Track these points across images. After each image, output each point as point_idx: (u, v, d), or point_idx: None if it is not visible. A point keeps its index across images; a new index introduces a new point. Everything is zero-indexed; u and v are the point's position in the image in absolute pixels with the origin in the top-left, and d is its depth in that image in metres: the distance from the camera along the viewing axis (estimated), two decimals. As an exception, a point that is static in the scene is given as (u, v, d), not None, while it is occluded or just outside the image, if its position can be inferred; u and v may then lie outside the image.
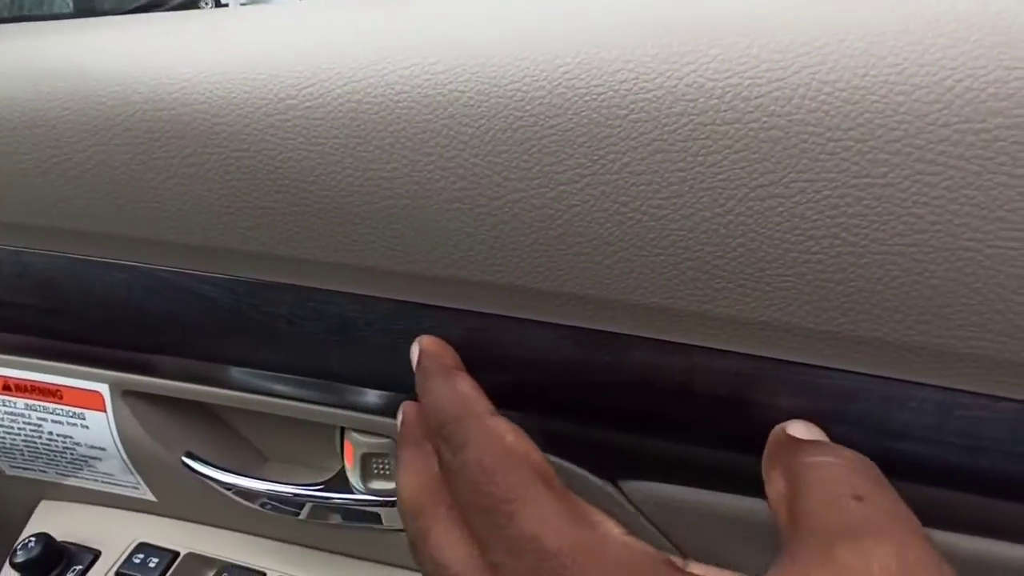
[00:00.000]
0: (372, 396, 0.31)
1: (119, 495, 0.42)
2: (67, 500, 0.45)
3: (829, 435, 0.23)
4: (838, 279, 0.21)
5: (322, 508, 0.36)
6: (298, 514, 0.37)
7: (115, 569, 0.40)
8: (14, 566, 0.39)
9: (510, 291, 0.25)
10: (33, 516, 0.44)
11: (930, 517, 0.25)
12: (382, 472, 0.33)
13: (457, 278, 0.26)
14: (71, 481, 0.43)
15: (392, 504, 0.34)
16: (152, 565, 0.39)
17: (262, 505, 0.37)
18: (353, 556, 0.39)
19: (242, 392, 0.34)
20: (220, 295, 0.31)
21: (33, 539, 0.39)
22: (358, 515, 0.36)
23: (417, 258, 0.26)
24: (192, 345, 0.33)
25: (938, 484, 0.23)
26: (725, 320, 0.23)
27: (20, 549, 0.39)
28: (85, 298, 0.33)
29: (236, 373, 0.33)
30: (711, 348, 0.24)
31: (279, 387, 0.33)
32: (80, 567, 0.40)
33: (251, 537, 0.41)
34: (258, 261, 0.29)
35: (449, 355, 0.26)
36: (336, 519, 0.37)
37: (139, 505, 0.42)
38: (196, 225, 0.28)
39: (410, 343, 0.28)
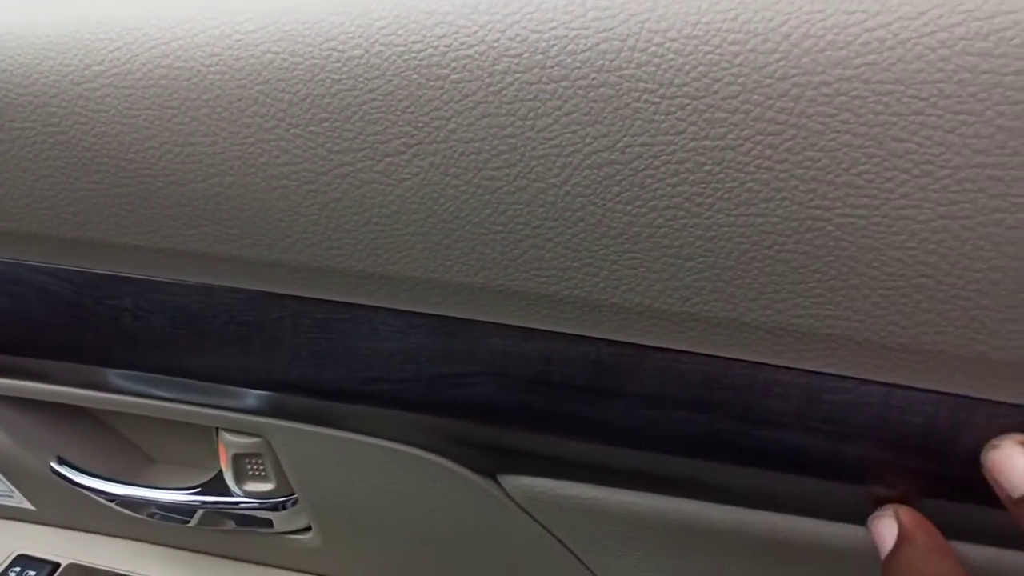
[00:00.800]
0: (236, 393, 0.28)
1: (-2, 505, 0.39)
2: (-52, 512, 0.42)
3: (692, 422, 0.22)
4: (687, 255, 0.19)
5: (212, 513, 0.34)
6: (187, 522, 0.35)
7: (-10, 584, 0.37)
8: None
9: (353, 276, 0.23)
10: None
11: (795, 506, 0.23)
12: (256, 473, 0.31)
13: (296, 263, 0.23)
14: (-53, 491, 0.40)
15: (279, 507, 0.32)
16: (29, 578, 0.37)
17: (150, 515, 0.35)
18: (244, 560, 0.37)
19: (106, 393, 0.31)
20: (60, 287, 0.28)
21: (-103, 555, 0.37)
22: (249, 520, 0.34)
23: (252, 242, 0.23)
24: (42, 343, 0.30)
25: (805, 472, 0.22)
26: (577, 303, 0.21)
27: None
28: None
29: (95, 373, 0.31)
30: (566, 334, 0.22)
31: (142, 386, 0.30)
32: (-49, 583, 0.37)
33: (138, 544, 0.38)
34: (92, 250, 0.26)
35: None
36: (229, 524, 0.34)
37: (17, 514, 0.39)
38: (18, 211, 0.26)
39: (261, 334, 0.26)
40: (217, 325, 0.26)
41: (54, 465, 0.35)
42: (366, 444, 0.28)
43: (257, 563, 0.37)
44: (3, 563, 0.39)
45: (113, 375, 0.30)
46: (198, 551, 0.38)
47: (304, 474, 0.30)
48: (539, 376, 0.23)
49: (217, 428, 0.32)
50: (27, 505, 0.39)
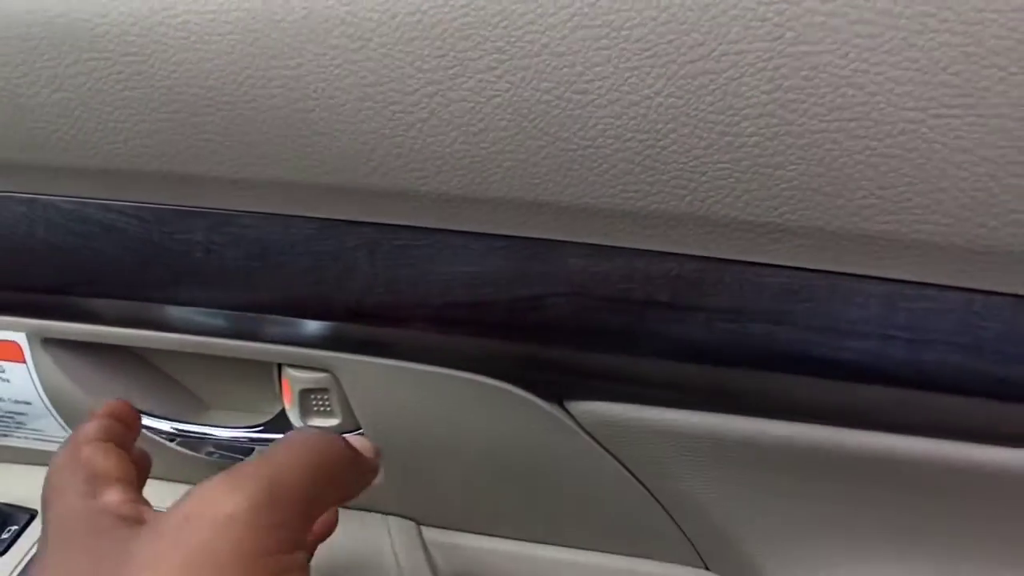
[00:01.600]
0: (304, 327, 0.29)
1: (49, 452, 0.40)
2: (6, 461, 0.43)
3: (772, 335, 0.22)
4: (778, 164, 0.20)
5: None
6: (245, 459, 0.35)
7: (53, 527, 0.38)
8: (-58, 528, 0.37)
9: (436, 200, 0.24)
10: (-33, 480, 0.43)
11: (874, 420, 0.24)
12: (322, 409, 0.32)
13: (379, 189, 0.24)
14: (4, 440, 0.40)
15: None
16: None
17: (208, 454, 0.36)
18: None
19: (168, 332, 0.32)
20: (128, 224, 0.29)
21: (-38, 500, 0.37)
22: None
23: (334, 168, 0.24)
24: (107, 283, 0.30)
25: (884, 382, 0.22)
26: (663, 219, 0.22)
27: (-52, 511, 0.37)
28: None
29: (159, 312, 0.31)
30: (649, 251, 0.23)
31: (206, 324, 0.31)
32: (15, 527, 0.38)
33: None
34: (166, 183, 0.27)
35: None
36: None
37: (76, 461, 0.40)
38: (92, 145, 0.26)
39: (337, 264, 0.26)
40: (292, 256, 0.27)
41: (115, 409, 0.36)
42: (435, 375, 0.28)
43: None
44: (64, 507, 0.39)
45: (180, 313, 0.30)
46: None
47: (371, 408, 0.30)
48: (620, 295, 0.23)
49: (280, 365, 0.33)
50: (85, 451, 0.39)
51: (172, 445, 0.36)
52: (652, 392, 0.26)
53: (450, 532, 0.36)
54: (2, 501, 0.39)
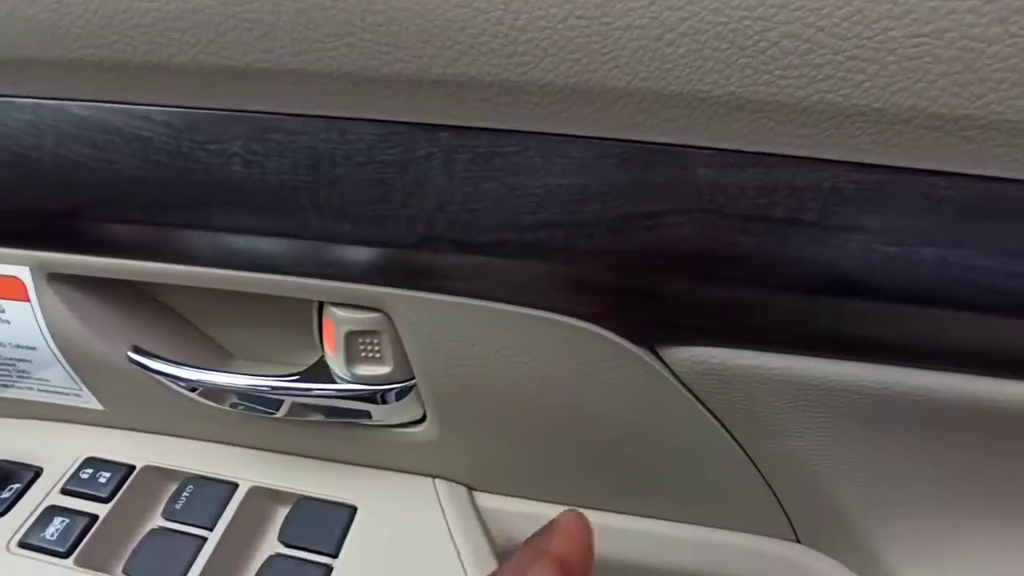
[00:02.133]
0: (356, 256, 0.25)
1: (60, 406, 0.36)
2: (0, 416, 0.39)
3: (944, 259, 0.19)
4: (989, 38, 0.16)
5: (301, 406, 0.31)
6: (274, 413, 0.32)
7: (60, 485, 0.34)
8: (-64, 486, 0.33)
9: (535, 94, 0.19)
10: (-40, 435, 0.39)
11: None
12: (371, 355, 0.28)
13: (463, 80, 0.20)
14: (0, 392, 0.37)
15: (383, 399, 0.29)
16: (103, 480, 0.34)
17: (232, 406, 0.32)
18: (336, 460, 0.34)
19: (193, 266, 0.28)
20: (154, 133, 0.24)
21: (-42, 456, 0.34)
22: (343, 412, 0.31)
23: (409, 54, 0.20)
24: (125, 205, 0.26)
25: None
26: (825, 114, 0.18)
27: (-58, 467, 0.33)
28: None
29: (184, 239, 0.27)
30: (798, 158, 0.19)
31: (238, 254, 0.27)
32: (18, 485, 0.34)
33: (217, 446, 0.35)
34: (199, 80, 0.22)
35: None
36: (318, 418, 0.31)
37: (85, 417, 0.36)
38: (112, 31, 0.22)
39: (405, 177, 0.22)
40: (349, 168, 0.23)
41: (130, 354, 0.32)
42: (509, 314, 0.25)
43: (351, 463, 0.34)
44: (72, 466, 0.36)
45: (208, 241, 0.26)
46: (283, 452, 0.35)
47: (429, 354, 0.26)
48: (756, 212, 0.20)
49: (322, 305, 0.29)
50: (95, 405, 0.36)
51: (193, 396, 0.32)
52: (772, 334, 0.22)
53: (505, 498, 0.32)
54: (3, 458, 0.36)
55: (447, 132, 0.21)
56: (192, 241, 0.26)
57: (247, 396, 0.31)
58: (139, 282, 0.34)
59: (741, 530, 0.30)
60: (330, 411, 0.31)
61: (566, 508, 0.32)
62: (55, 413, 0.37)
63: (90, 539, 0.32)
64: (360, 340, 0.27)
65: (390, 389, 0.28)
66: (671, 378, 0.25)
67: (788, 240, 0.20)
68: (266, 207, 0.24)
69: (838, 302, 0.20)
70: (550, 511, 0.31)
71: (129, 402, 0.34)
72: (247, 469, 0.34)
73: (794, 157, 0.19)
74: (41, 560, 0.31)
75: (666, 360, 0.25)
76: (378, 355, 0.28)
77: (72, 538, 0.32)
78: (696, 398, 0.25)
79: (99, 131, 0.25)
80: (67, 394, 0.35)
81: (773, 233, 0.20)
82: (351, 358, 0.28)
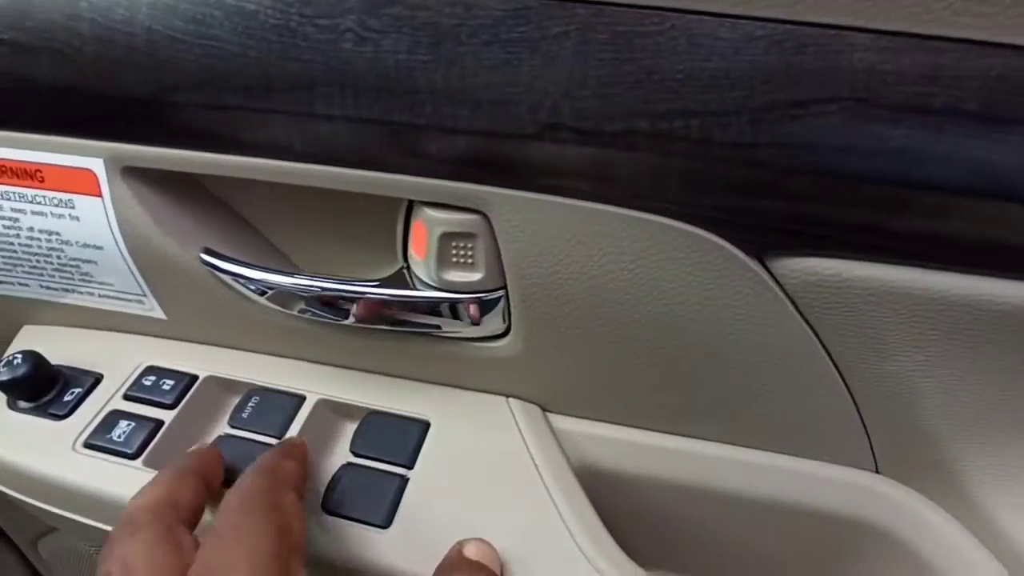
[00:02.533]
0: (466, 147, 0.24)
1: (121, 314, 0.35)
2: (56, 324, 0.38)
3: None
4: None
5: (369, 315, 0.30)
6: (342, 320, 0.31)
7: (122, 391, 0.34)
8: (1, 385, 0.32)
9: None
10: (14, 342, 0.38)
11: None
12: (463, 260, 0.27)
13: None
14: (60, 297, 0.36)
15: (467, 309, 0.28)
16: (166, 387, 0.33)
17: (300, 311, 0.31)
18: (406, 377, 0.34)
19: (282, 160, 0.27)
20: (261, 5, 0.23)
21: (19, 356, 0.33)
22: (414, 323, 0.30)
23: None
24: (220, 87, 0.25)
25: None
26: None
27: (3, 366, 0.33)
28: (56, 30, 0.25)
29: (278, 127, 0.25)
30: (965, 41, 0.18)
31: (335, 145, 0.25)
32: (79, 390, 0.34)
33: (281, 360, 0.35)
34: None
35: None
36: (387, 328, 0.31)
37: (146, 327, 0.36)
38: None
39: (534, 57, 0.21)
40: (473, 47, 0.22)
41: (203, 256, 0.31)
42: (619, 217, 0.24)
43: (420, 379, 0.34)
44: (133, 373, 0.35)
45: (307, 130, 0.25)
46: (349, 367, 0.35)
47: (528, 259, 0.26)
48: (913, 101, 0.19)
49: (410, 207, 0.28)
50: (158, 314, 0.35)
51: (262, 301, 0.31)
52: (901, 242, 0.22)
53: (578, 420, 0.32)
54: (64, 364, 0.35)
55: (585, 8, 0.20)
56: (287, 130, 0.25)
57: (320, 301, 0.30)
58: (212, 185, 0.33)
59: (819, 458, 0.30)
60: (401, 322, 0.30)
61: (640, 431, 0.32)
62: (115, 322, 0.36)
63: (157, 442, 0.31)
64: (453, 243, 0.27)
65: (477, 297, 0.28)
66: (778, 291, 0.24)
67: (944, 133, 0.19)
68: (376, 90, 0.23)
69: (986, 205, 0.20)
70: (625, 434, 0.31)
71: (193, 311, 0.34)
72: (313, 383, 0.33)
73: (963, 40, 0.18)
74: (108, 460, 0.31)
75: (775, 272, 0.24)
76: (470, 260, 0.27)
77: (139, 441, 0.31)
78: (800, 314, 0.25)
79: (199, 3, 0.24)
80: (130, 300, 0.34)
81: (928, 125, 0.19)
82: (442, 262, 0.27)
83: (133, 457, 0.31)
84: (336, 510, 0.28)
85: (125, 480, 0.30)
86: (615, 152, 0.22)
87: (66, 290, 0.35)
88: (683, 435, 0.31)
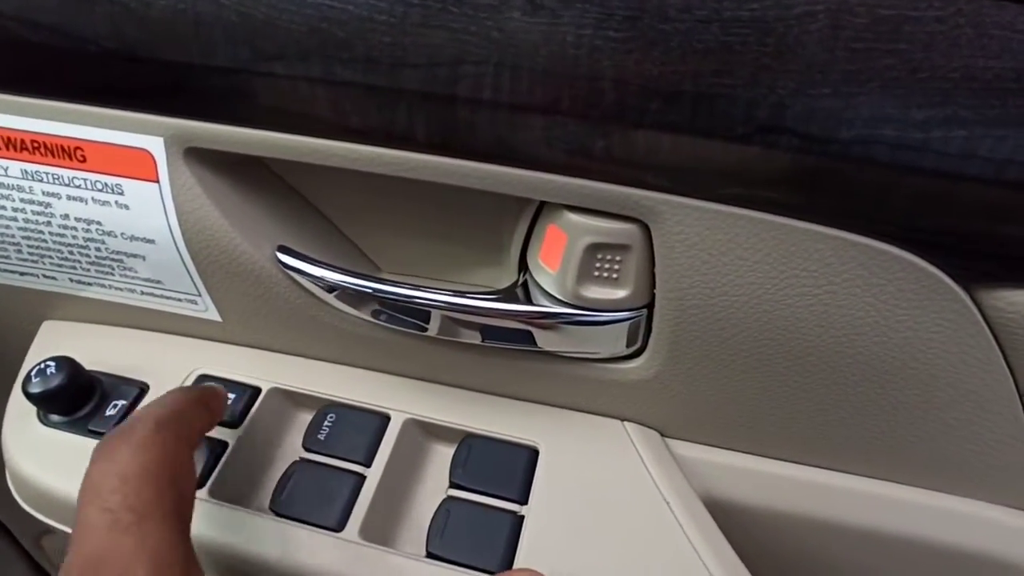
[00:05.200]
0: (646, 144, 0.19)
1: (165, 314, 0.31)
2: (81, 320, 0.33)
3: None
4: None
5: (453, 326, 0.26)
6: (425, 330, 0.27)
7: (173, 406, 0.29)
8: (30, 397, 0.28)
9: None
10: (36, 342, 0.33)
11: None
12: (607, 274, 0.23)
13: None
14: (91, 292, 0.31)
15: (594, 321, 0.24)
16: (226, 403, 0.29)
17: (374, 313, 0.26)
18: (497, 394, 0.30)
19: (388, 148, 0.22)
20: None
21: (52, 364, 0.28)
22: (505, 336, 0.26)
23: None
24: (332, 57, 0.20)
25: None
26: None
27: (35, 376, 0.28)
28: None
29: (397, 108, 0.21)
30: None
31: (469, 134, 0.21)
32: (123, 402, 0.29)
33: (352, 370, 0.31)
34: None
35: None
36: (473, 338, 0.27)
37: (194, 328, 0.31)
38: None
39: (763, 46, 0.17)
40: (682, 25, 0.17)
41: (279, 254, 0.26)
42: (812, 235, 0.20)
43: (523, 399, 0.30)
44: (182, 382, 0.30)
45: (436, 114, 0.21)
46: (435, 381, 0.31)
47: (692, 275, 0.22)
48: None
49: (541, 208, 0.24)
50: (212, 316, 0.30)
51: (329, 297, 0.27)
52: None
53: (699, 446, 0.29)
54: (99, 370, 0.30)
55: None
56: (411, 114, 0.21)
57: (394, 305, 0.26)
58: (287, 173, 0.28)
59: (975, 497, 0.27)
60: (490, 334, 0.26)
61: (771, 461, 0.29)
62: (156, 322, 0.31)
63: (222, 468, 0.27)
64: (599, 255, 0.23)
65: (617, 318, 0.24)
66: (983, 324, 0.21)
67: None
68: (543, 72, 0.19)
69: None
70: (753, 464, 0.28)
71: (255, 314, 0.29)
72: (395, 399, 0.29)
73: None
74: (165, 490, 0.27)
75: (981, 302, 0.21)
76: (615, 276, 0.23)
77: (201, 466, 0.27)
78: (1001, 351, 0.22)
79: (316, -46, 0.19)
80: (180, 300, 0.30)
81: None
82: (583, 276, 0.23)
83: (197, 486, 0.27)
84: (442, 555, 0.25)
85: (189, 514, 0.26)
86: (843, 164, 0.18)
87: (102, 286, 0.30)
88: (819, 467, 0.28)
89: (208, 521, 0.26)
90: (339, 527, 0.25)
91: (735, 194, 0.20)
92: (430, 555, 0.25)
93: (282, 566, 0.25)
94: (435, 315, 0.26)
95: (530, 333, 0.26)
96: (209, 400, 0.25)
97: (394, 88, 0.20)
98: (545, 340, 0.26)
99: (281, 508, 0.26)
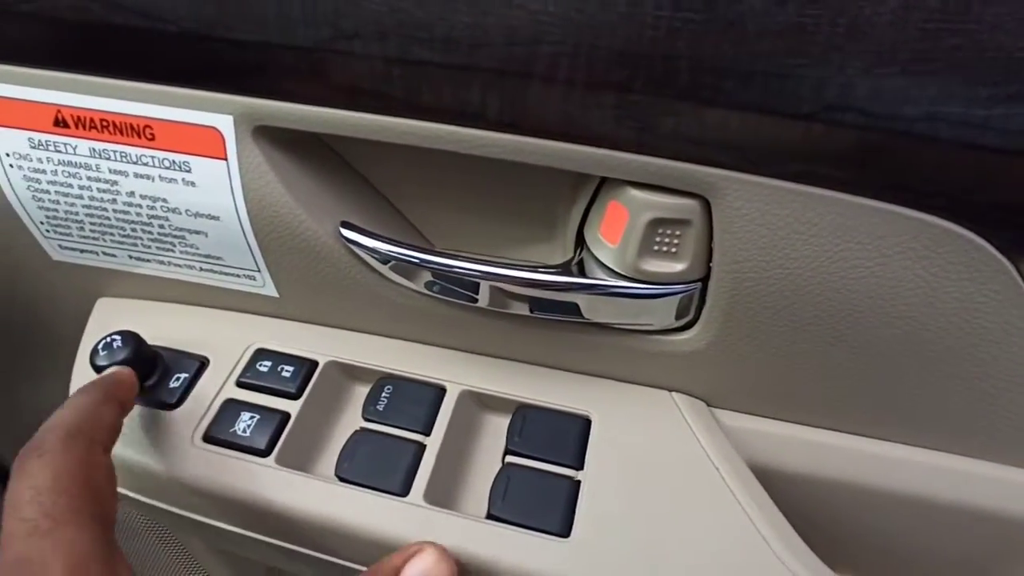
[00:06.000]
0: (713, 122, 0.20)
1: (220, 289, 0.31)
2: (136, 297, 0.34)
3: None
4: None
5: (502, 297, 0.27)
6: (475, 301, 0.27)
7: (234, 378, 0.30)
8: (98, 370, 0.29)
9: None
10: (92, 318, 0.33)
11: None
12: (666, 248, 0.24)
13: None
14: (149, 268, 0.31)
15: (645, 293, 0.25)
16: (286, 374, 0.30)
17: (427, 285, 0.27)
18: (547, 366, 0.31)
19: (462, 127, 0.23)
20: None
21: (117, 337, 0.29)
22: (552, 307, 0.27)
23: None
24: (411, 37, 0.21)
25: None
26: None
27: (102, 349, 0.29)
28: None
29: (472, 90, 0.22)
30: None
31: (532, 112, 0.22)
32: (186, 375, 0.30)
33: (405, 343, 0.32)
34: None
35: None
36: (522, 310, 0.28)
37: (249, 304, 0.32)
38: None
39: (835, 26, 0.17)
40: (762, 6, 0.18)
41: (343, 230, 0.27)
42: (870, 210, 0.21)
43: (573, 370, 0.31)
44: (241, 357, 0.31)
45: (511, 94, 0.21)
46: (488, 354, 0.32)
47: (750, 250, 0.23)
48: None
49: (601, 184, 0.25)
50: (269, 292, 0.31)
51: (386, 270, 0.28)
52: None
53: (744, 416, 0.30)
54: (160, 344, 0.31)
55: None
56: (484, 92, 0.22)
57: (448, 276, 0.27)
58: (347, 150, 0.29)
59: (1003, 462, 0.28)
60: (539, 305, 0.27)
61: (817, 430, 0.30)
62: (211, 298, 0.32)
63: (287, 437, 0.28)
64: (660, 230, 0.24)
65: (673, 289, 0.25)
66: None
67: None
68: (618, 53, 0.20)
69: None
70: (799, 432, 0.29)
71: (313, 289, 0.30)
72: (449, 371, 0.30)
73: None
74: (234, 456, 0.28)
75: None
76: (674, 249, 0.24)
77: (268, 435, 0.28)
78: None
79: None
80: (238, 276, 0.30)
81: None
82: (643, 250, 0.24)
83: (264, 454, 0.28)
84: (504, 516, 0.26)
85: (259, 480, 0.27)
86: (905, 141, 0.19)
87: (161, 263, 0.31)
88: (862, 435, 0.29)
89: (277, 487, 0.27)
90: (404, 492, 0.27)
91: (796, 170, 0.21)
92: (492, 517, 0.26)
93: (350, 529, 0.26)
94: (484, 287, 0.27)
95: (577, 305, 0.27)
96: (115, 390, 0.26)
97: (470, 67, 0.21)
98: (595, 312, 0.27)
99: (346, 474, 0.27)
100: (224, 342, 0.31)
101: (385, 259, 0.27)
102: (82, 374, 0.30)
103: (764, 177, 0.21)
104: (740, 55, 0.19)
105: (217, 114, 0.25)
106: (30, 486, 0.20)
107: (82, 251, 0.31)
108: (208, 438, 0.28)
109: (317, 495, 0.27)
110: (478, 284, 0.27)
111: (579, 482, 0.27)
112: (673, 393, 0.30)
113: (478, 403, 0.30)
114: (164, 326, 0.32)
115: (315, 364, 0.31)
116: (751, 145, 0.21)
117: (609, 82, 0.20)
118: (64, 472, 0.21)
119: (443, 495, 0.27)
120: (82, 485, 0.21)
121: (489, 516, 0.26)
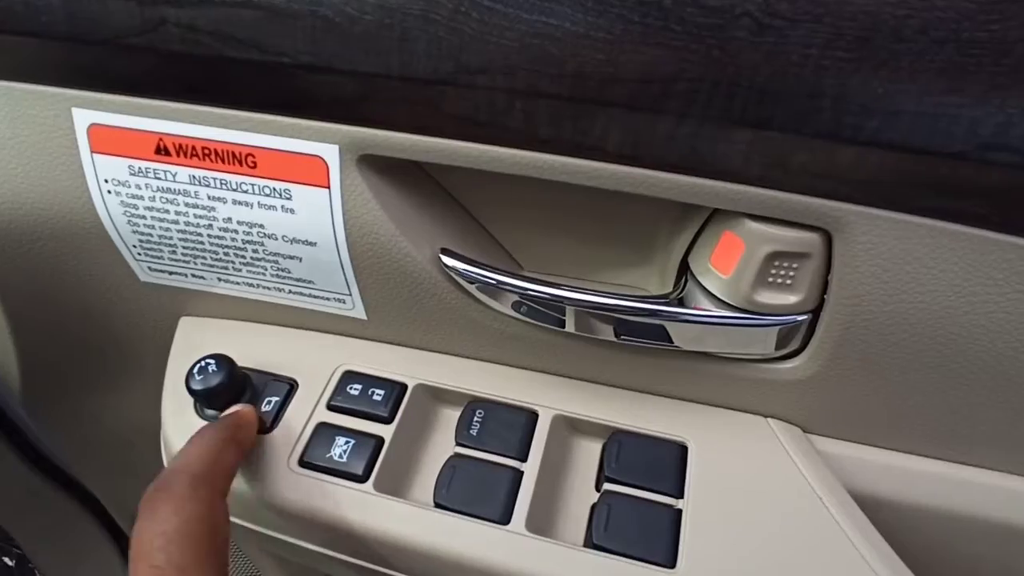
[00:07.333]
0: (852, 160, 0.20)
1: (303, 310, 0.31)
2: (219, 316, 0.34)
3: None
4: None
5: (589, 322, 0.27)
6: (562, 326, 0.27)
7: (324, 401, 0.30)
8: (193, 393, 0.29)
9: None
10: (177, 337, 0.34)
11: None
12: (781, 280, 0.24)
13: None
14: (236, 290, 0.31)
15: (755, 323, 0.25)
16: (377, 398, 0.30)
17: (515, 306, 0.27)
18: (640, 391, 0.31)
19: (578, 159, 0.23)
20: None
21: (212, 361, 0.29)
22: (638, 331, 0.27)
23: None
24: (540, 73, 0.21)
25: None
26: None
27: (197, 373, 0.29)
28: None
29: (596, 124, 0.21)
30: None
31: (659, 147, 0.22)
32: (276, 398, 0.30)
33: (492, 366, 0.31)
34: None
35: None
36: (610, 334, 0.27)
37: (336, 326, 0.32)
38: None
39: (998, 65, 0.17)
40: (917, 46, 0.18)
41: (443, 257, 0.27)
42: (1005, 245, 0.21)
43: (667, 396, 0.31)
44: (330, 380, 0.31)
45: (636, 129, 0.21)
46: (578, 378, 0.31)
47: (870, 283, 0.22)
48: None
49: (711, 216, 0.25)
50: (358, 314, 0.31)
51: (480, 294, 0.28)
52: None
53: (845, 444, 0.29)
54: (248, 366, 0.31)
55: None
56: (607, 127, 0.21)
57: (536, 298, 0.27)
58: (447, 178, 0.29)
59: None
60: (625, 330, 0.27)
61: (917, 458, 0.29)
62: (295, 319, 0.32)
63: (383, 463, 0.28)
64: (776, 262, 0.23)
65: (785, 321, 0.25)
66: None
67: None
68: (761, 91, 0.19)
69: None
70: (899, 461, 0.29)
71: (403, 313, 0.30)
72: (540, 396, 0.30)
73: None
74: (331, 482, 0.28)
75: None
76: (789, 281, 0.24)
77: (364, 460, 0.28)
78: None
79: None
80: (328, 299, 0.30)
81: None
82: (758, 282, 0.24)
83: (362, 480, 0.28)
84: (607, 546, 0.26)
85: (358, 505, 0.27)
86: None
87: (250, 285, 0.31)
88: (962, 463, 0.28)
89: (377, 513, 0.27)
90: (505, 520, 0.26)
91: (931, 206, 0.20)
92: (594, 546, 0.26)
93: (450, 557, 0.26)
94: (570, 311, 0.27)
95: (665, 330, 0.26)
96: (235, 433, 0.26)
97: (599, 101, 0.21)
98: (696, 341, 0.26)
99: (444, 501, 0.27)
100: (311, 364, 0.31)
101: (482, 285, 0.27)
102: (174, 396, 0.31)
103: (895, 212, 0.21)
104: (890, 93, 0.18)
105: (322, 143, 0.25)
106: (160, 532, 0.21)
107: (171, 273, 0.31)
108: (304, 463, 0.28)
109: (417, 522, 0.27)
110: (605, 318, 0.27)
111: (680, 511, 0.27)
112: (769, 419, 0.29)
113: (570, 428, 0.30)
114: (249, 346, 0.32)
115: (404, 387, 0.31)
116: (885, 181, 0.20)
117: (746, 119, 0.20)
118: (192, 519, 0.22)
119: (543, 522, 0.27)
120: (207, 535, 0.22)
121: (590, 544, 0.26)
